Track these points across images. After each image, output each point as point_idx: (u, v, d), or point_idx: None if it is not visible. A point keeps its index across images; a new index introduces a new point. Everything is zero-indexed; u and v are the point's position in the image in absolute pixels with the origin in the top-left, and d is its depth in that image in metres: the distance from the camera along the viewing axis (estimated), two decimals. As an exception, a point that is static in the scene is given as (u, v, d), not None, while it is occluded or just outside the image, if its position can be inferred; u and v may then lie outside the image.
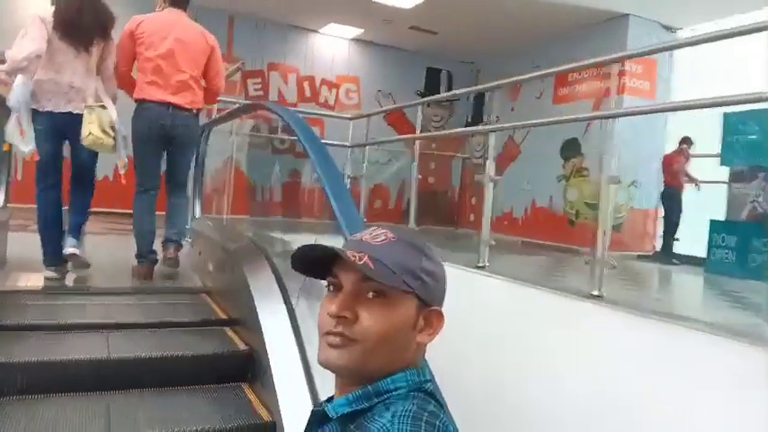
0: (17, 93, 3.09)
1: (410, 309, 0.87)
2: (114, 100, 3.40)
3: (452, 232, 10.65)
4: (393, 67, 10.59)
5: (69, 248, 3.28)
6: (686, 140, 7.93)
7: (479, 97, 11.08)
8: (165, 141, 3.53)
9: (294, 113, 3.28)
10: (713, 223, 7.02)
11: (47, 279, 3.27)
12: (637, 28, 8.09)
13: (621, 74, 8.09)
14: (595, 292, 3.08)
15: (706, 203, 7.71)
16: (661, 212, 8.27)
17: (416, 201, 6.27)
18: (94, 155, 3.39)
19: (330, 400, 0.91)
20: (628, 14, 8.00)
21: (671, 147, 8.24)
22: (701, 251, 6.95)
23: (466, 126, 11.29)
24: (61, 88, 3.19)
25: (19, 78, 3.08)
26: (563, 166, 8.96)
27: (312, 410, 0.93)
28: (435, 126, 11.13)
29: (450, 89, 11.18)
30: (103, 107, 3.22)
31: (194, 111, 3.60)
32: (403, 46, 10.36)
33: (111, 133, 3.21)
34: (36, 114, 3.16)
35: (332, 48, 10.09)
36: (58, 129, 3.20)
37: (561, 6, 7.86)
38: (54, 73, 3.18)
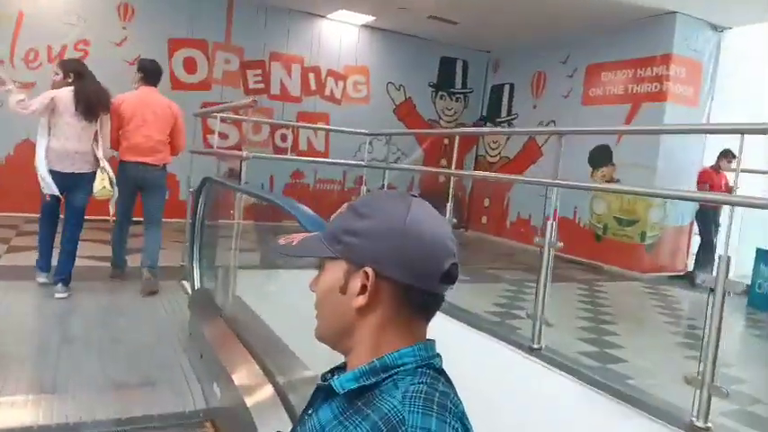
0: (40, 157, 4.20)
1: (336, 273, 0.85)
2: (108, 158, 4.45)
3: (461, 235, 9.99)
4: (404, 56, 9.72)
5: (57, 294, 4.23)
6: (727, 154, 7.24)
7: (496, 90, 10.26)
8: (140, 188, 4.75)
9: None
10: (761, 253, 6.43)
11: (39, 284, 4.42)
12: (684, 27, 7.29)
13: (662, 78, 7.34)
14: None
15: (752, 225, 7.06)
16: (695, 228, 7.65)
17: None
18: (87, 202, 4.39)
19: (333, 372, 0.90)
20: (675, 12, 7.19)
21: (711, 158, 7.57)
22: (741, 275, 6.38)
23: (480, 120, 10.51)
24: (68, 154, 4.21)
25: (41, 147, 4.24)
26: (591, 174, 8.25)
27: (317, 385, 0.90)
28: (448, 120, 10.33)
29: (465, 80, 10.36)
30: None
31: (161, 165, 4.76)
32: (415, 33, 9.48)
33: (112, 187, 4.37)
34: (50, 171, 4.18)
35: (339, 35, 9.20)
36: (62, 183, 4.22)
37: (600, 1, 7.01)
38: (64, 141, 4.20)
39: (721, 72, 7.62)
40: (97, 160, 4.30)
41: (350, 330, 0.86)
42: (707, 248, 7.16)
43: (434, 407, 0.75)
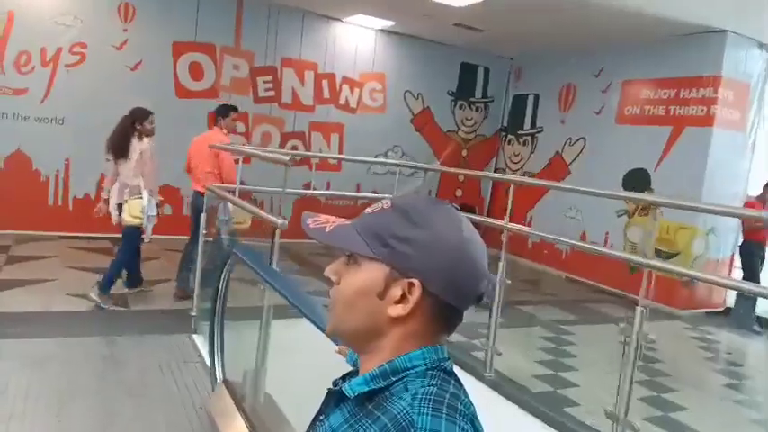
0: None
1: (376, 276, 0.83)
2: (153, 193, 4.87)
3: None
4: (423, 63, 9.11)
5: (92, 295, 4.67)
6: (770, 186, 6.75)
7: (519, 100, 9.67)
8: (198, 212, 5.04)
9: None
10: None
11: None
12: (733, 46, 6.73)
13: (710, 101, 6.79)
14: None
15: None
16: (736, 261, 7.17)
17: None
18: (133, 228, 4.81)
19: (345, 378, 0.89)
20: (725, 31, 6.62)
21: (755, 190, 7.07)
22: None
23: (500, 131, 9.92)
24: (121, 186, 4.84)
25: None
26: (625, 200, 7.72)
27: (328, 390, 0.89)
28: (467, 131, 9.75)
29: (485, 88, 9.76)
30: (139, 197, 4.73)
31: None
32: (435, 38, 8.87)
33: (140, 216, 4.71)
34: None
35: (356, 39, 8.57)
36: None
37: (643, 15, 6.40)
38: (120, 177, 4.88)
39: (769, 94, 7.10)
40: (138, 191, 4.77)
41: (376, 335, 0.84)
42: (751, 281, 6.68)
43: (444, 408, 0.75)
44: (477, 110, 9.76)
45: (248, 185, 5.89)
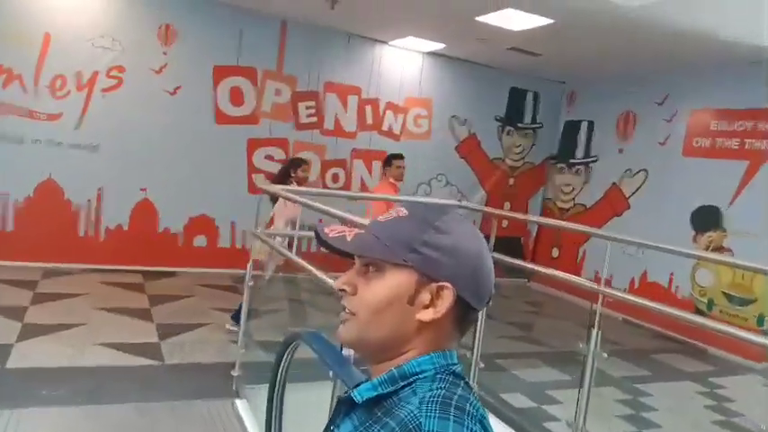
0: None
1: (406, 282, 0.84)
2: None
3: (523, 288, 8.89)
4: (471, 87, 8.64)
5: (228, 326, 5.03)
6: None
7: (571, 126, 9.13)
8: None
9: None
10: None
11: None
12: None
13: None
14: None
15: None
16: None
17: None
18: None
19: (358, 386, 0.88)
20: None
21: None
22: None
23: (550, 159, 9.38)
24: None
25: None
26: (694, 238, 7.10)
27: (338, 398, 0.90)
28: (515, 159, 9.23)
29: (535, 114, 9.25)
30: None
31: None
32: (485, 61, 8.40)
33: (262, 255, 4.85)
34: None
35: (402, 62, 8.15)
36: None
37: (715, 38, 5.82)
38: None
39: None
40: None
41: (402, 341, 0.85)
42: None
43: (451, 410, 0.75)
44: (525, 136, 9.24)
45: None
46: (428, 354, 0.83)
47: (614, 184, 8.25)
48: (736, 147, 6.72)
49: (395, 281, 0.84)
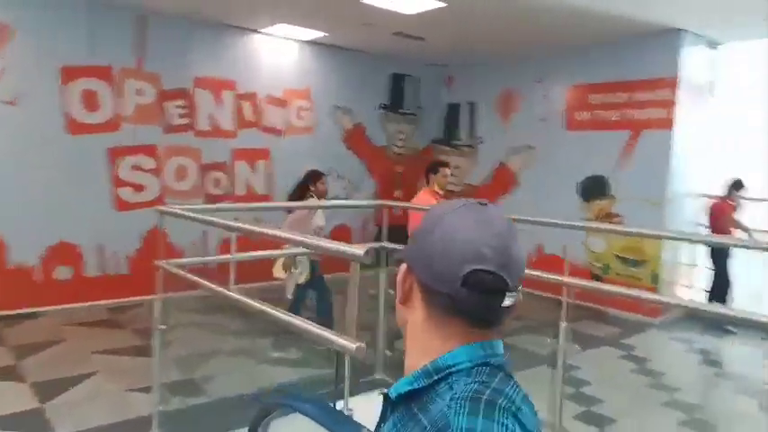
0: None
1: (401, 277, 0.88)
2: None
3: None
4: (352, 75, 8.27)
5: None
6: (737, 185, 6.65)
7: (453, 109, 9.11)
8: None
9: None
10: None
11: None
12: (688, 45, 6.51)
13: (668, 103, 6.54)
14: None
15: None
16: (701, 264, 7.01)
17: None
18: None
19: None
20: (679, 29, 6.38)
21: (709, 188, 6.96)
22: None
23: (433, 143, 9.30)
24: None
25: None
26: (583, 207, 7.35)
27: (383, 395, 0.88)
28: (400, 145, 9.03)
29: (416, 98, 9.10)
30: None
31: None
32: (364, 48, 8.06)
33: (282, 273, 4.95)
34: None
35: (278, 52, 7.55)
36: None
37: (588, 14, 5.94)
38: None
39: (717, 92, 7.00)
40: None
41: (404, 327, 0.89)
42: (722, 283, 6.54)
43: (481, 406, 0.73)
44: (408, 121, 9.07)
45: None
46: (463, 345, 0.82)
47: (501, 162, 8.35)
48: (617, 118, 7.01)
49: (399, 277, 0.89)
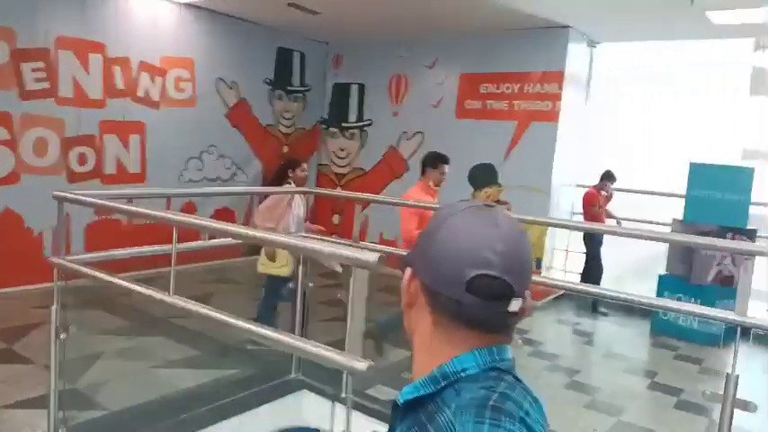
0: None
1: (406, 281, 0.87)
2: None
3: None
4: (236, 45, 7.67)
5: None
6: (608, 176, 7.20)
7: (341, 89, 8.85)
8: None
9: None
10: (664, 279, 6.47)
11: None
12: (573, 42, 6.87)
13: (554, 96, 6.88)
14: None
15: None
16: (571, 248, 7.54)
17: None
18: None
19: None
20: (567, 26, 6.70)
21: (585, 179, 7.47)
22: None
23: (320, 124, 9.00)
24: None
25: None
26: (472, 195, 7.53)
27: (392, 402, 0.87)
28: (287, 125, 8.61)
29: (303, 76, 8.71)
30: None
31: None
32: (250, 17, 7.51)
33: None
34: None
35: (154, 15, 6.75)
36: None
37: (481, 5, 6.03)
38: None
39: (594, 88, 7.50)
40: None
41: (411, 332, 0.88)
42: (595, 268, 7.07)
43: (487, 413, 0.72)
44: (295, 100, 8.66)
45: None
46: (470, 351, 0.80)
47: (392, 147, 8.29)
48: (506, 108, 7.24)
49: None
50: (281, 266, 4.46)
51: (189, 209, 7.05)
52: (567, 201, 7.33)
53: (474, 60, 7.46)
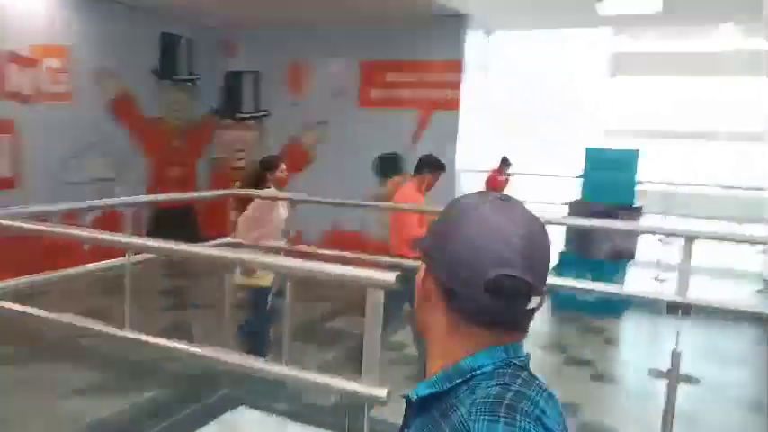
0: None
1: (421, 278, 0.86)
2: None
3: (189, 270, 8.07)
4: (117, 32, 7.00)
5: None
6: (505, 161, 7.51)
7: (234, 78, 8.39)
8: None
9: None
10: (564, 256, 6.84)
11: None
12: (471, 31, 7.00)
13: (455, 84, 6.99)
14: None
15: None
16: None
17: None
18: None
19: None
20: (463, 14, 6.80)
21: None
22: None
23: (211, 114, 8.50)
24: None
25: None
26: (379, 184, 7.50)
27: (405, 399, 0.85)
28: (176, 117, 8.04)
29: (191, 63, 8.16)
30: None
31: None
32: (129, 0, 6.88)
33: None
34: None
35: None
36: None
37: None
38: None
39: (492, 76, 7.72)
40: None
41: (426, 329, 0.86)
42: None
43: (501, 410, 0.71)
44: (183, 90, 8.10)
45: None
46: (486, 348, 0.79)
47: (293, 138, 8.02)
48: (408, 97, 7.24)
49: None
50: (263, 275, 3.95)
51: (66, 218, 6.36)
52: (469, 187, 7.51)
53: (375, 48, 7.39)
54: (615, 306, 6.27)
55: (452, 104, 7.01)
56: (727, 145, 10.68)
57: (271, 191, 4.15)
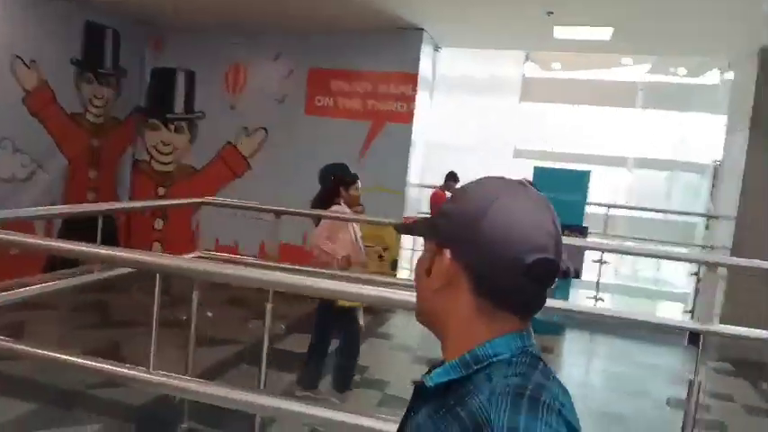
0: None
1: (426, 253, 0.85)
2: None
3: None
4: (35, 17, 6.23)
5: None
6: (452, 176, 7.50)
7: (163, 75, 7.76)
8: None
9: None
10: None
11: None
12: (425, 44, 6.91)
13: (409, 97, 6.88)
14: None
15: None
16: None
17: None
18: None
19: (431, 371, 0.83)
20: (421, 29, 6.71)
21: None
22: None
23: (137, 112, 7.80)
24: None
25: None
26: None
27: (415, 384, 0.85)
28: (97, 114, 7.28)
29: (116, 57, 7.44)
30: None
31: None
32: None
33: None
34: None
35: None
36: None
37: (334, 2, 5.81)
38: None
39: (440, 91, 7.67)
40: None
41: (435, 314, 0.85)
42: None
43: (524, 402, 0.70)
44: (107, 84, 7.37)
45: None
46: (503, 335, 0.79)
47: (229, 143, 7.54)
48: (359, 107, 7.03)
49: (423, 254, 0.85)
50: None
51: None
52: (415, 201, 7.42)
53: (325, 56, 7.10)
54: (558, 324, 6.40)
55: (405, 118, 6.88)
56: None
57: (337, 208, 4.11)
